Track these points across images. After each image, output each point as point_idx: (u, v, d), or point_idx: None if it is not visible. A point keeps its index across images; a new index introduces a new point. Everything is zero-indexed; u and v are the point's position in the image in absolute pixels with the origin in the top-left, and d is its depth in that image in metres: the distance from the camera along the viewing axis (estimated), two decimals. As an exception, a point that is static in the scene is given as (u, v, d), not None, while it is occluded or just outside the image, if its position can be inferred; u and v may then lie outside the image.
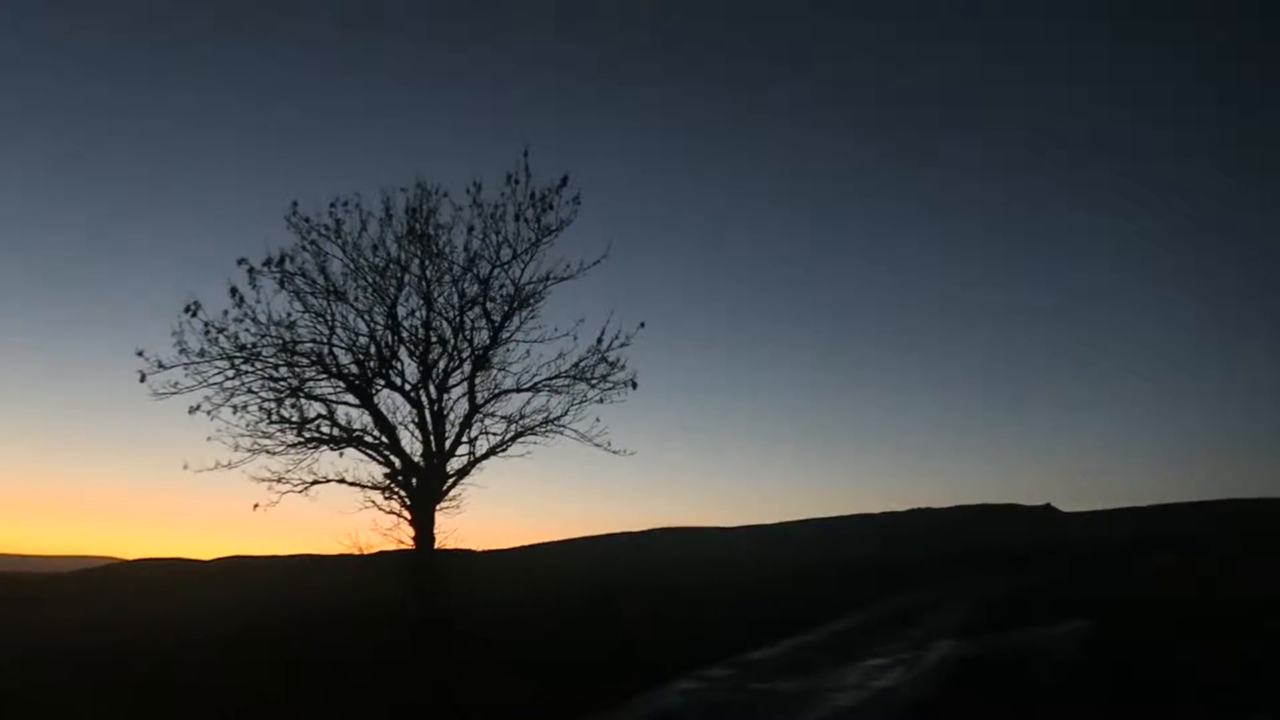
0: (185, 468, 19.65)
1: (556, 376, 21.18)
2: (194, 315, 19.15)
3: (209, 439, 19.67)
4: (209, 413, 19.48)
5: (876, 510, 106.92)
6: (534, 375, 21.19)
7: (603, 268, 20.92)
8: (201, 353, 19.24)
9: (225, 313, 19.33)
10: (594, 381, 21.17)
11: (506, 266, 20.64)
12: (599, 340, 20.92)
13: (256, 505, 20.27)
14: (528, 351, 21.21)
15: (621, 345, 21.03)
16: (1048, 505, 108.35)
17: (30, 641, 17.90)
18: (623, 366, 21.18)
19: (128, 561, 56.48)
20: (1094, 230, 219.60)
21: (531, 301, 21.00)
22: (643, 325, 21.23)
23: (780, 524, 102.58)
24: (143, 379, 18.97)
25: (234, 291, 19.36)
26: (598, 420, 21.35)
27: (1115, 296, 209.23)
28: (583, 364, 21.07)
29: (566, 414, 21.30)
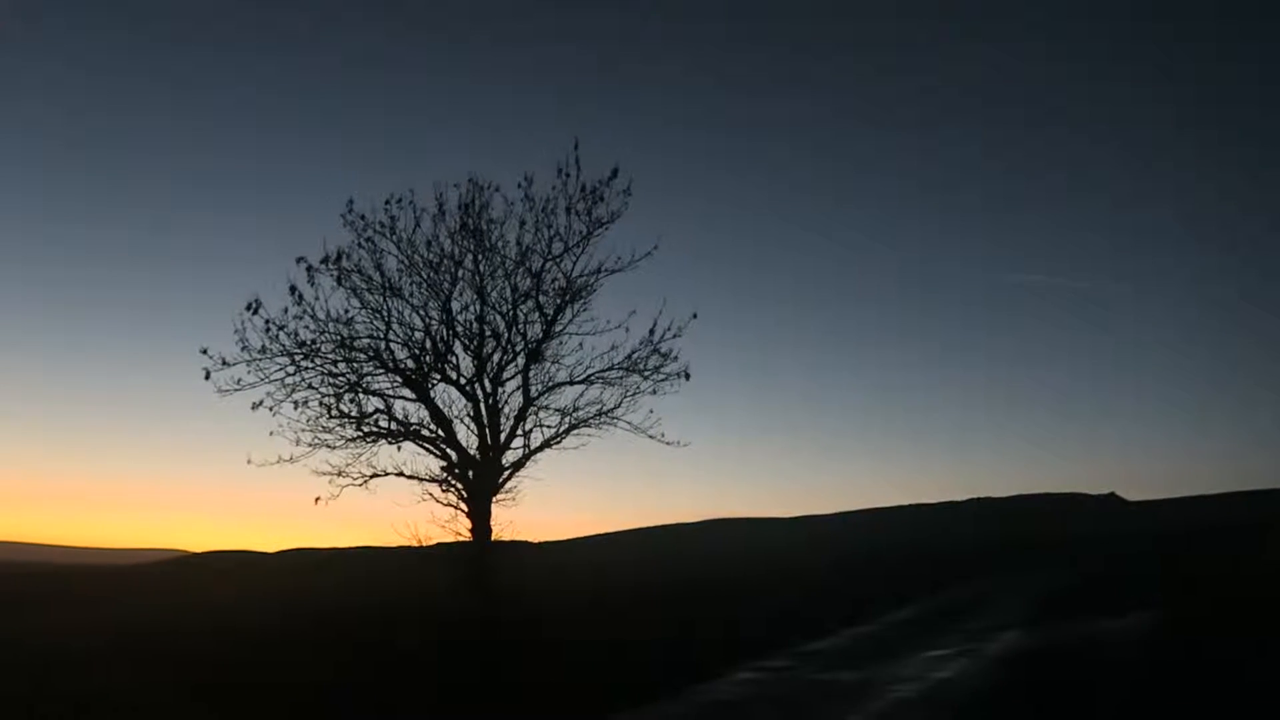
0: (249, 462, 20.16)
1: (609, 368, 21.27)
2: (255, 313, 19.58)
3: (271, 434, 20.15)
4: (271, 408, 19.93)
5: (934, 500, 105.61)
6: (587, 367, 21.31)
7: (654, 259, 20.95)
8: (263, 349, 19.67)
9: (285, 310, 19.75)
10: (647, 373, 21.22)
11: (558, 259, 20.76)
12: (651, 331, 20.95)
13: (318, 499, 20.71)
14: (580, 344, 21.34)
15: (674, 336, 21.04)
16: (1112, 494, 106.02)
17: (110, 632, 18.50)
18: (675, 357, 21.20)
19: (197, 554, 58.03)
20: (1157, 215, 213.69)
21: (583, 294, 21.11)
22: (695, 316, 21.22)
23: (836, 514, 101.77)
24: (207, 376, 19.47)
25: (293, 289, 19.76)
26: (651, 411, 21.41)
27: (1182, 282, 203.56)
28: (635, 355, 21.13)
29: (620, 406, 21.39)
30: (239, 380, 19.63)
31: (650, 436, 21.41)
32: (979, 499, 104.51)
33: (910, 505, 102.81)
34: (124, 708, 9.68)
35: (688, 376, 21.31)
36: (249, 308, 19.50)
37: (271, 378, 19.81)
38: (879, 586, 27.19)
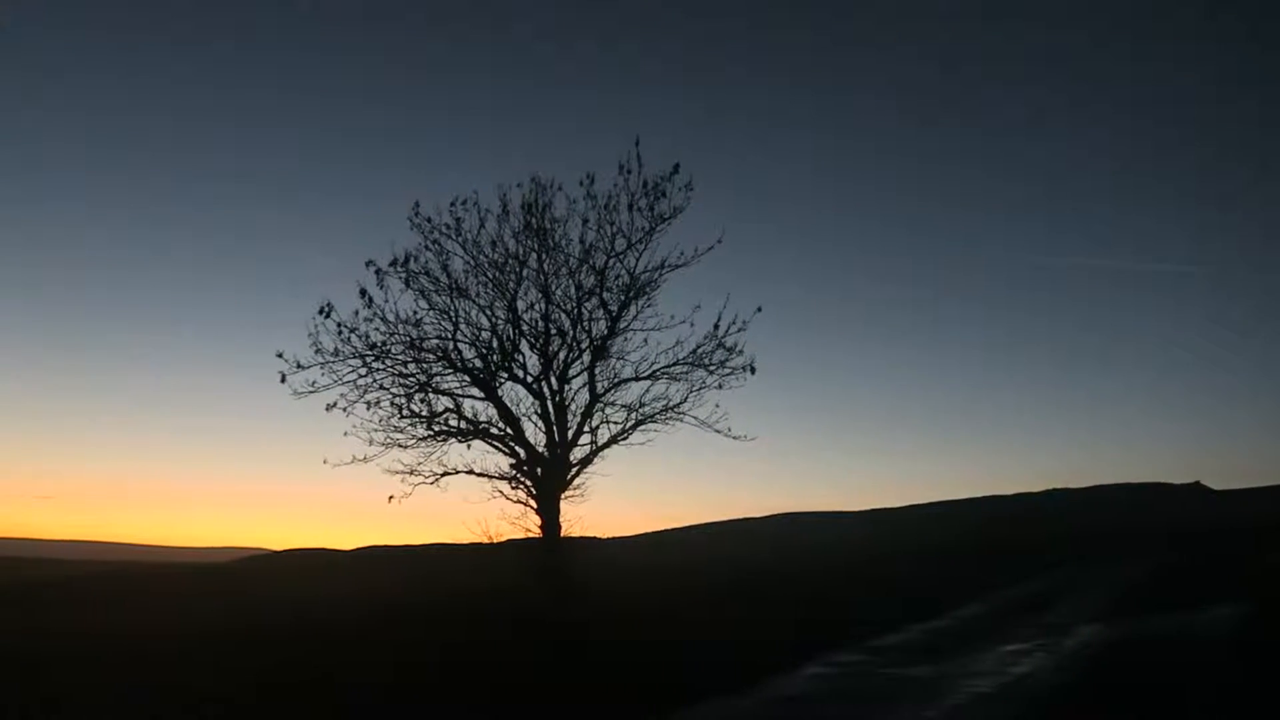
0: (325, 462, 20.70)
1: (675, 364, 21.32)
2: (327, 316, 20.07)
3: (345, 434, 20.66)
4: (344, 409, 20.43)
5: (1009, 492, 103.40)
6: (652, 363, 21.40)
7: (717, 253, 20.93)
8: (335, 352, 20.17)
9: (356, 313, 20.22)
10: (712, 367, 21.22)
11: (621, 256, 20.87)
12: (716, 326, 20.95)
13: (391, 497, 21.18)
14: (645, 340, 21.44)
15: (738, 330, 21.01)
16: (1196, 483, 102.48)
17: (200, 626, 19.17)
18: (740, 351, 21.17)
19: (277, 552, 59.69)
20: (1243, 196, 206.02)
21: (647, 290, 21.19)
22: (759, 309, 21.15)
23: (906, 507, 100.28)
24: (283, 379, 20.02)
25: (363, 292, 20.21)
26: (717, 406, 21.41)
27: (1271, 263, 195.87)
28: (700, 350, 21.15)
29: (686, 401, 21.44)
30: (313, 382, 20.18)
31: (716, 431, 21.43)
32: (1055, 489, 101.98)
33: (984, 497, 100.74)
34: (204, 703, 10.02)
35: (753, 370, 21.28)
36: (321, 311, 20.02)
37: (344, 379, 20.33)
38: (952, 580, 26.77)
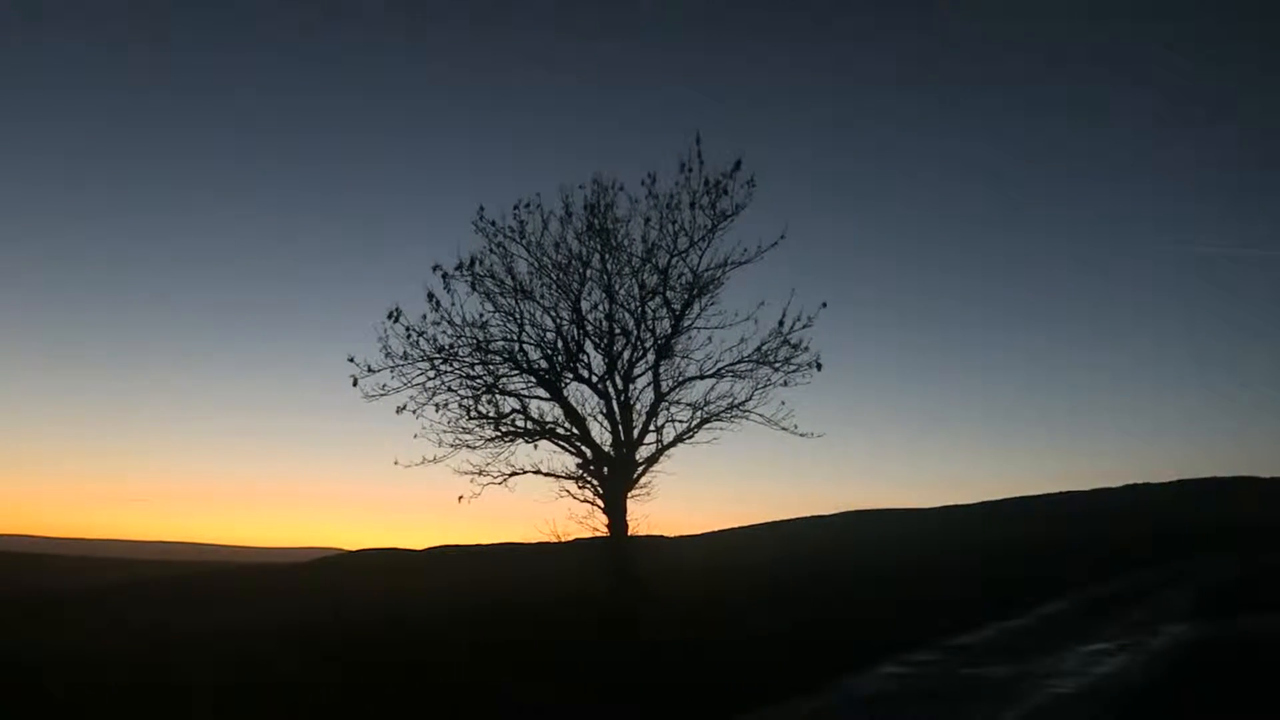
0: (396, 463, 21.05)
1: (739, 361, 21.20)
2: (396, 321, 20.42)
3: (415, 436, 20.98)
4: (414, 411, 20.76)
5: (1087, 487, 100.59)
6: (717, 361, 21.32)
7: (781, 249, 20.80)
8: (404, 355, 20.51)
9: (424, 317, 20.55)
10: (777, 364, 21.05)
11: (684, 255, 20.84)
12: (780, 323, 20.79)
13: (461, 497, 21.44)
14: (709, 338, 21.38)
15: (804, 326, 20.82)
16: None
17: (276, 624, 19.66)
18: (806, 348, 20.98)
19: (351, 552, 60.97)
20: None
21: (711, 288, 21.12)
22: (824, 305, 20.94)
23: (979, 503, 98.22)
24: (355, 383, 20.42)
25: (430, 296, 20.52)
26: (783, 403, 21.25)
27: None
28: (765, 347, 21.00)
29: (751, 398, 21.31)
30: (384, 385, 20.54)
31: (783, 428, 21.27)
32: (1136, 485, 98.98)
33: (1061, 493, 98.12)
34: (296, 697, 10.25)
35: (819, 367, 21.06)
36: (390, 316, 20.37)
37: (413, 382, 20.65)
38: (1029, 578, 26.12)
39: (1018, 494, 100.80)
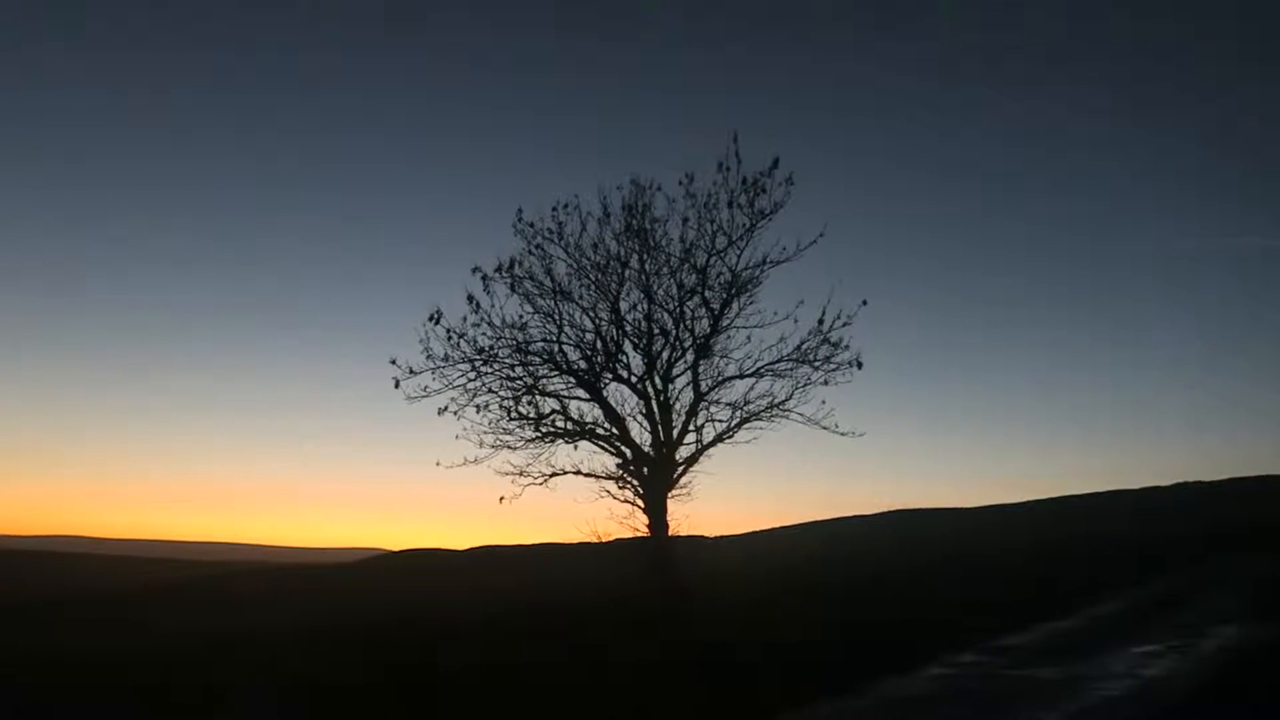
0: (438, 464, 21.25)
1: (779, 360, 21.13)
2: (437, 323, 20.62)
3: (457, 437, 21.16)
4: (455, 413, 20.94)
5: (1136, 485, 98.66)
6: (756, 360, 21.26)
7: (820, 247, 20.69)
8: (445, 357, 20.70)
9: (464, 319, 20.71)
10: (817, 363, 20.95)
11: (722, 254, 20.81)
12: (820, 321, 20.69)
13: (502, 497, 21.58)
14: (748, 337, 21.32)
15: (843, 325, 20.70)
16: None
17: (320, 622, 19.96)
18: (846, 346, 20.85)
19: (394, 552, 61.64)
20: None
21: (749, 287, 21.07)
22: (864, 303, 20.80)
23: (1025, 502, 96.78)
24: (397, 385, 20.64)
25: (471, 298, 20.69)
26: (823, 402, 21.13)
27: None
28: (805, 346, 20.91)
29: (791, 398, 21.23)
30: (425, 387, 20.75)
31: (823, 428, 21.16)
32: (1185, 483, 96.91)
33: (1108, 492, 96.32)
34: (333, 695, 10.41)
35: (860, 365, 20.92)
36: (431, 318, 20.57)
37: (455, 383, 20.83)
38: (1077, 578, 25.71)
39: (1065, 493, 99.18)
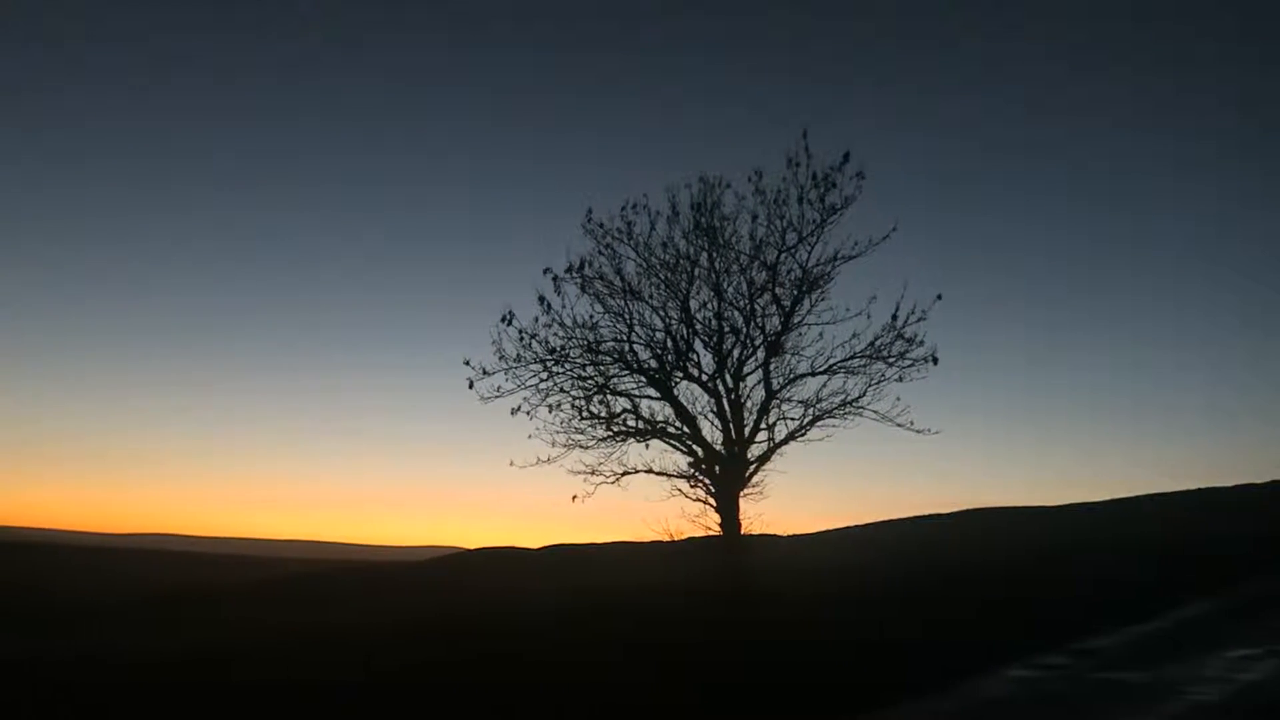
0: (511, 464, 21.48)
1: (852, 357, 20.85)
2: (509, 324, 20.85)
3: (529, 437, 21.34)
4: (528, 413, 21.13)
5: (1229, 483, 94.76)
6: (828, 357, 21.01)
7: (893, 241, 20.36)
8: (518, 358, 20.90)
9: (536, 319, 20.89)
10: (891, 359, 20.61)
11: (793, 250, 20.61)
12: (893, 317, 20.34)
13: (575, 497, 21.71)
14: (820, 334, 21.08)
15: (918, 320, 20.32)
16: None
17: (398, 618, 20.38)
18: (921, 342, 20.47)
19: (469, 550, 62.50)
20: None
21: (821, 283, 20.83)
22: (939, 297, 20.39)
23: (1111, 500, 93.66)
24: (471, 386, 20.94)
25: (542, 299, 20.86)
26: (898, 399, 20.78)
27: None
28: (878, 342, 20.58)
29: (865, 395, 20.92)
30: (498, 388, 20.98)
31: (898, 425, 20.80)
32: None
33: (1200, 489, 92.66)
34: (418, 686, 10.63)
35: (935, 361, 20.51)
36: (504, 319, 20.81)
37: (527, 384, 21.02)
38: (1167, 579, 24.82)
39: (1152, 491, 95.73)
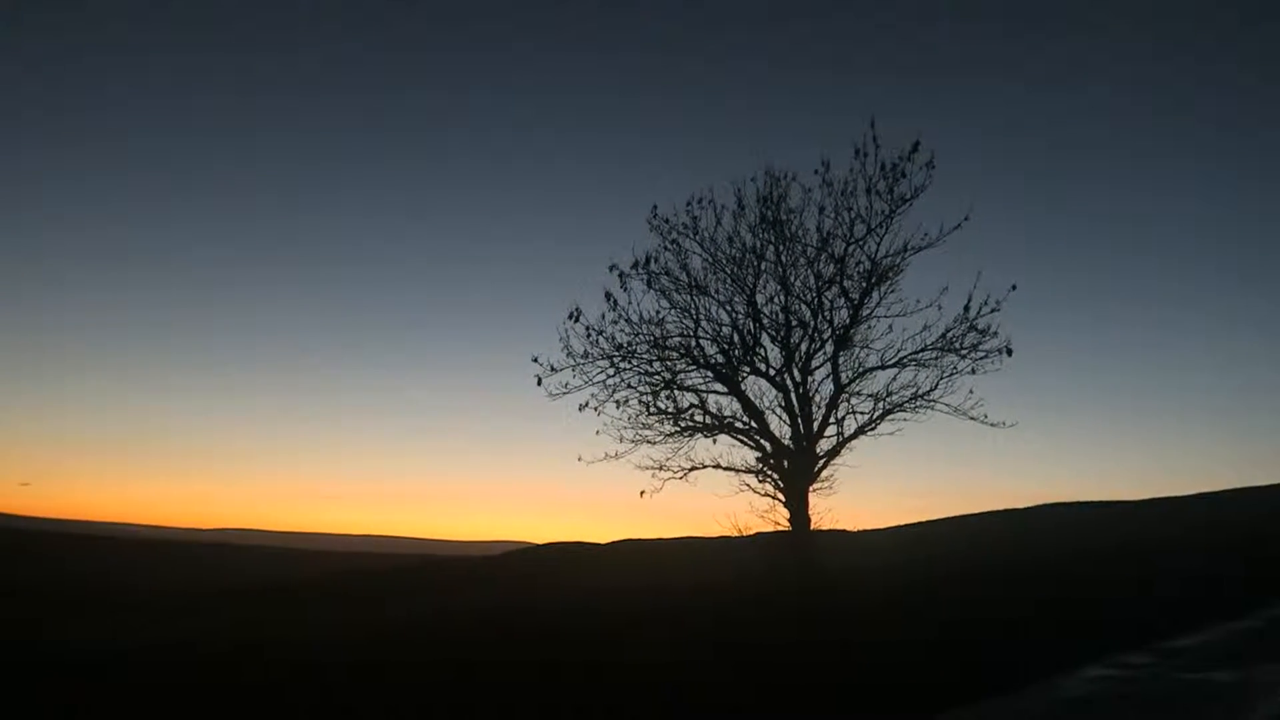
0: (579, 460, 21.66)
1: (923, 349, 20.55)
2: (576, 321, 21.00)
3: (597, 433, 21.51)
4: (595, 409, 21.29)
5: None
6: (898, 350, 20.76)
7: (965, 231, 19.99)
8: (585, 354, 21.08)
9: (602, 316, 21.03)
10: (964, 351, 20.28)
11: (861, 242, 20.38)
12: (966, 308, 20.01)
13: (643, 492, 21.80)
14: (890, 326, 20.83)
15: (991, 311, 19.96)
16: None
17: (479, 613, 20.72)
18: (994, 333, 20.10)
19: (539, 545, 63.17)
20: None
21: (890, 275, 20.57)
22: (1014, 288, 19.98)
23: (1199, 494, 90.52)
24: (539, 382, 21.16)
25: (608, 296, 20.98)
26: (971, 392, 20.44)
27: None
28: (950, 334, 20.27)
29: (936, 388, 20.63)
30: (566, 384, 21.17)
31: (971, 418, 20.46)
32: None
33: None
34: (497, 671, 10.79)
35: (1010, 352, 20.12)
36: (571, 316, 20.97)
37: (594, 380, 21.18)
38: (1258, 577, 23.92)
39: (1238, 485, 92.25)
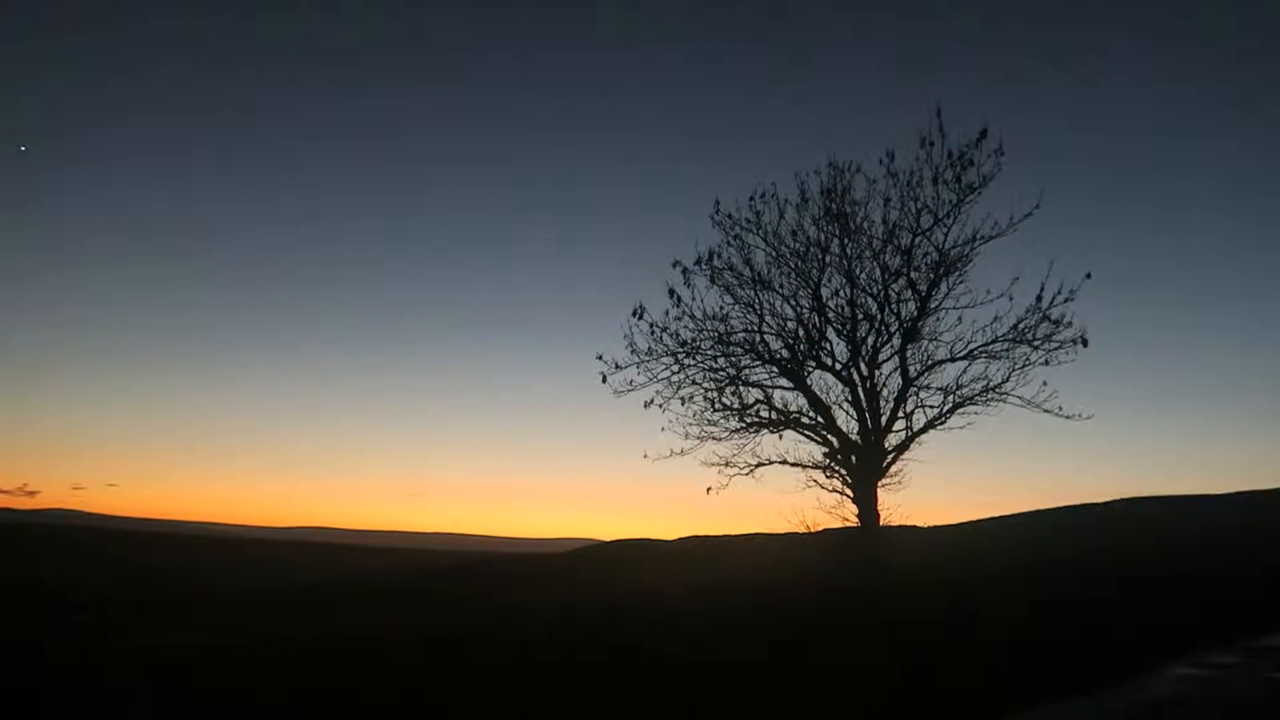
0: (645, 456, 21.69)
1: (993, 341, 20.12)
2: (640, 318, 21.04)
3: (662, 429, 21.51)
4: (660, 405, 21.30)
5: None
6: (968, 342, 20.34)
7: (1036, 219, 19.47)
8: (649, 351, 21.09)
9: (666, 312, 21.01)
10: (1036, 343, 19.78)
11: (928, 233, 20.03)
12: (1038, 298, 19.51)
13: (709, 489, 21.74)
14: (959, 318, 20.42)
15: (1065, 301, 19.42)
16: None
17: (557, 611, 20.91)
18: (1069, 323, 19.55)
19: (606, 542, 63.48)
20: None
21: (958, 265, 20.17)
22: (1088, 276, 19.40)
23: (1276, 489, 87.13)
24: (604, 380, 21.25)
25: (672, 292, 20.96)
26: (1044, 384, 19.93)
27: None
28: (1022, 325, 19.79)
29: (1008, 380, 20.16)
30: (631, 381, 21.22)
31: (1045, 411, 19.94)
32: None
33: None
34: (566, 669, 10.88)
35: (1085, 343, 19.55)
36: (635, 313, 21.00)
37: (659, 377, 21.19)
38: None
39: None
